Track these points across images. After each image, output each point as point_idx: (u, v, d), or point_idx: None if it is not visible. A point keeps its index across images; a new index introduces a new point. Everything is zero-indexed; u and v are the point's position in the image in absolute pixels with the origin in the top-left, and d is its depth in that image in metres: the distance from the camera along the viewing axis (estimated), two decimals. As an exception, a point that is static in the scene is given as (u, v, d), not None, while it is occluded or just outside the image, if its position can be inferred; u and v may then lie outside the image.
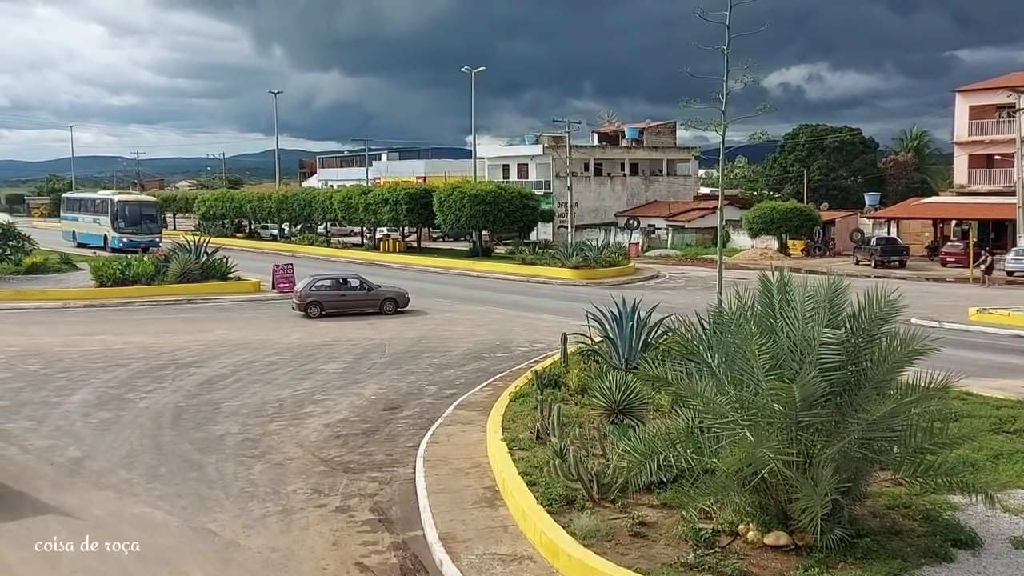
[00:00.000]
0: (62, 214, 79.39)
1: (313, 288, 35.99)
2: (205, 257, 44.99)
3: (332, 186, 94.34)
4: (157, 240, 63.49)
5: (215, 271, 44.54)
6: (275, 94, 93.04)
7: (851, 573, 10.31)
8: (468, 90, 72.29)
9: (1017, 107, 57.01)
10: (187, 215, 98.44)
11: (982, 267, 47.65)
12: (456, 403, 20.62)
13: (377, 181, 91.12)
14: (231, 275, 45.15)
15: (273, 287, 43.15)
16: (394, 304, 36.47)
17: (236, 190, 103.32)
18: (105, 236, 65.94)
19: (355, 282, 36.98)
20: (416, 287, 41.56)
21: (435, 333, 31.26)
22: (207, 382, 23.19)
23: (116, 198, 68.95)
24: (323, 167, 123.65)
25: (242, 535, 12.97)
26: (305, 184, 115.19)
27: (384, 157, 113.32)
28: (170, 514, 13.81)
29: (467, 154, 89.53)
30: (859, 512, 11.83)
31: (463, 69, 71.40)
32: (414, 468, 15.85)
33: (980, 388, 19.95)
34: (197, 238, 48.85)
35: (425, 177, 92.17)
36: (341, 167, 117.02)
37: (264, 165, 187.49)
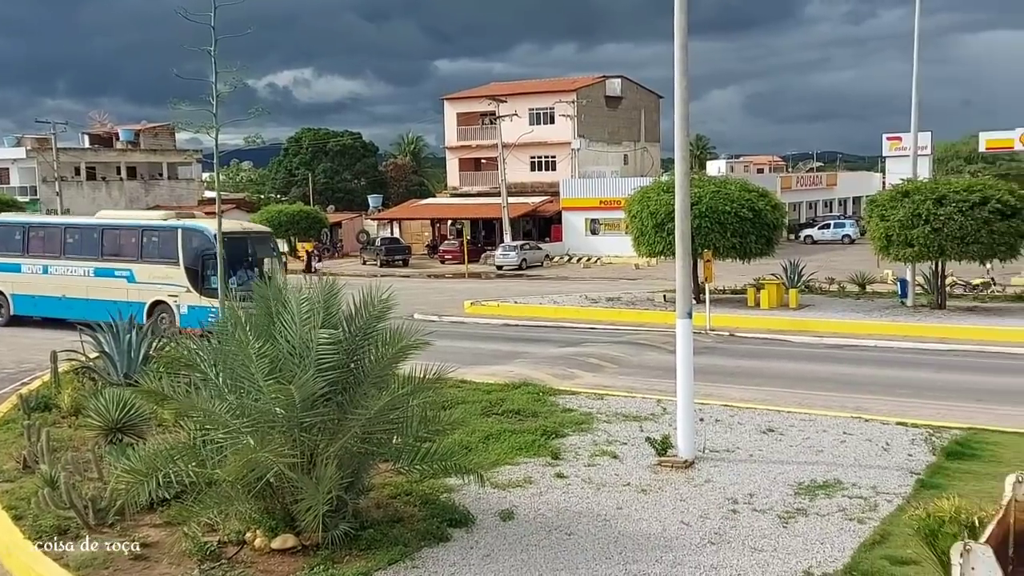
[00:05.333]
0: None
1: None
2: None
3: None
4: None
5: None
6: None
7: (356, 565, 10.58)
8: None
9: (497, 115, 62.79)
10: None
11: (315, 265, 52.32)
12: (-76, 438, 18.08)
13: None
14: None
15: None
16: None
17: None
18: (156, 305, 31.06)
19: None
20: None
21: (-102, 360, 27.25)
22: None
23: (210, 228, 29.40)
24: None
25: None
26: None
27: None
28: None
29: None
30: (363, 505, 12.18)
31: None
32: None
33: (474, 375, 21.61)
34: None
35: None
36: None
37: None
